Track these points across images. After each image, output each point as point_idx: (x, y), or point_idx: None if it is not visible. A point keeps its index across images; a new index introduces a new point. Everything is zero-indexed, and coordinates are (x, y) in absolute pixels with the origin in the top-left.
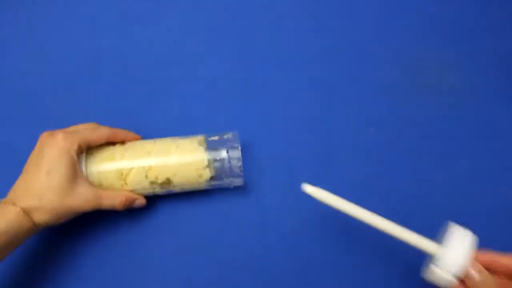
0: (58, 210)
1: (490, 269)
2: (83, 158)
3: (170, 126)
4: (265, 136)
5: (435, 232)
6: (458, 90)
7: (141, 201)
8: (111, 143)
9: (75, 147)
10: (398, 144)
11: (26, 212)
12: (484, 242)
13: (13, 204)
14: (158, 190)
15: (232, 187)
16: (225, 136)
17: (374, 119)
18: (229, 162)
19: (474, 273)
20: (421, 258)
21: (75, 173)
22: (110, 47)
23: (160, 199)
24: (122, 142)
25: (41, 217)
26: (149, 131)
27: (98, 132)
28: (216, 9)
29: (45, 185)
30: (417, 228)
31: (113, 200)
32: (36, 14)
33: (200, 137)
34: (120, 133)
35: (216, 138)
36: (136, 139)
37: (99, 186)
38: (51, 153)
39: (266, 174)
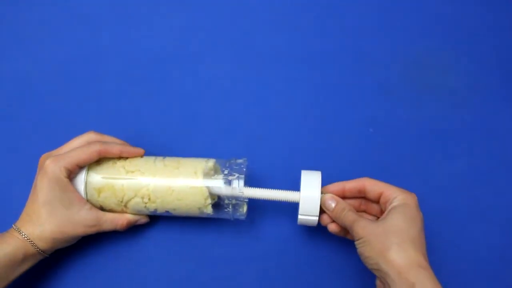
0: (60, 239)
1: (341, 195)
2: (83, 180)
3: (170, 126)
4: (264, 136)
5: (435, 232)
6: (458, 90)
7: (144, 222)
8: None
9: (64, 173)
10: (398, 144)
11: (30, 239)
12: (484, 242)
13: (19, 231)
14: (159, 214)
15: (232, 219)
16: (233, 167)
17: (374, 119)
18: (234, 205)
19: (330, 203)
20: None
21: (71, 199)
22: (110, 47)
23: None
24: (125, 159)
25: (44, 245)
26: (149, 131)
27: (88, 150)
28: (216, 9)
29: (43, 216)
30: None
31: (114, 223)
32: (36, 14)
33: (208, 163)
34: (113, 149)
35: (223, 169)
36: (132, 154)
37: (99, 208)
38: (42, 184)
39: (265, 177)
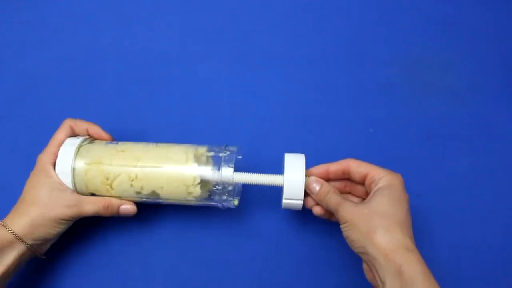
0: (39, 221)
1: (326, 178)
2: (72, 160)
3: (170, 125)
4: (264, 136)
5: (435, 232)
6: (458, 90)
7: (128, 208)
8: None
9: (51, 159)
10: (398, 144)
11: (4, 224)
12: (484, 242)
13: (5, 227)
14: (146, 200)
15: (224, 208)
16: (224, 153)
17: (374, 119)
18: (223, 185)
19: (314, 186)
20: None
21: (54, 183)
22: (110, 47)
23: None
24: (116, 142)
25: (21, 229)
26: (148, 130)
27: (61, 128)
28: (216, 9)
29: (26, 203)
30: (417, 227)
31: (95, 205)
32: (36, 14)
33: (199, 149)
34: (82, 123)
35: (213, 153)
36: (98, 135)
37: (85, 189)
38: (31, 178)
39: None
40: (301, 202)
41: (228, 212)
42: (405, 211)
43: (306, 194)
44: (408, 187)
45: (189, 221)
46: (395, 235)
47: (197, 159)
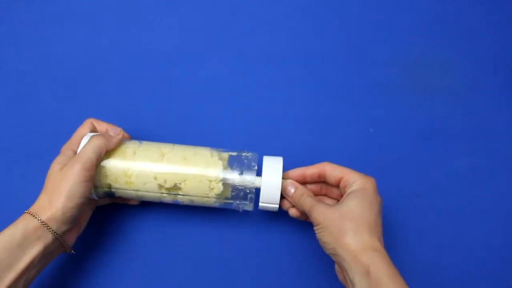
0: (66, 203)
1: (302, 181)
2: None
3: (170, 125)
4: (264, 136)
5: (435, 232)
6: (458, 90)
7: (116, 139)
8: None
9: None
10: (398, 144)
11: (31, 212)
12: (484, 242)
13: (31, 214)
14: (165, 196)
15: (241, 210)
16: (248, 156)
17: (374, 119)
18: (244, 187)
19: (289, 189)
20: None
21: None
22: (110, 47)
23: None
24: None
25: (49, 215)
26: (149, 130)
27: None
28: (217, 9)
29: (46, 197)
30: (417, 228)
31: (94, 144)
32: (36, 14)
33: (222, 153)
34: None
35: (241, 156)
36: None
37: (104, 179)
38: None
39: None
40: (277, 205)
41: (227, 210)
42: (375, 214)
43: (283, 196)
44: (408, 187)
45: (188, 220)
46: (363, 237)
47: (221, 157)
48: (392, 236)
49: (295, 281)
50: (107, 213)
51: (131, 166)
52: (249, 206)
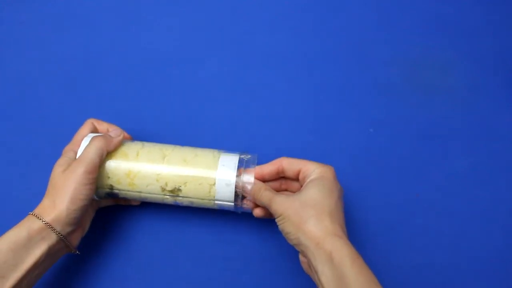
0: (69, 204)
1: (261, 179)
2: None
3: (169, 125)
4: (264, 136)
5: (435, 231)
6: (458, 90)
7: (116, 139)
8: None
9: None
10: (398, 144)
11: (35, 214)
12: (484, 242)
13: (35, 216)
14: (167, 198)
15: (239, 212)
16: (245, 158)
17: (374, 119)
18: (243, 189)
19: (246, 186)
20: None
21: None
22: (110, 47)
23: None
24: (141, 141)
25: (52, 216)
26: (149, 130)
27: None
28: (217, 9)
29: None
30: (417, 227)
31: (96, 144)
32: (36, 14)
33: (222, 154)
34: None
35: (236, 157)
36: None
37: (105, 180)
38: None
39: None
40: (232, 203)
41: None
42: (335, 200)
43: (244, 196)
44: (408, 187)
45: (188, 220)
46: (324, 223)
47: (221, 160)
48: (392, 236)
49: (295, 281)
50: (108, 213)
51: (134, 168)
52: (248, 207)
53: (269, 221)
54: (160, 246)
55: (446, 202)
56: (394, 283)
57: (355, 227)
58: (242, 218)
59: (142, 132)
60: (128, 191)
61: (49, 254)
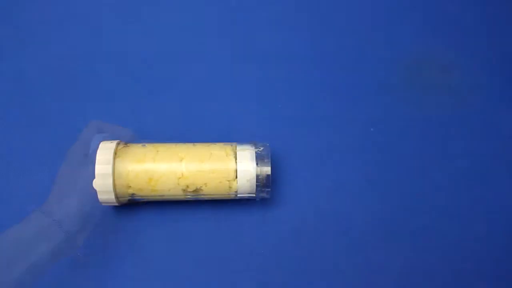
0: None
1: None
2: (112, 163)
3: (169, 125)
4: (264, 136)
5: (435, 231)
6: (458, 90)
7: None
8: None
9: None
10: (398, 144)
11: (41, 209)
12: (484, 242)
13: (41, 212)
14: (189, 197)
15: (258, 199)
16: (256, 149)
17: (375, 118)
18: (258, 176)
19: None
20: None
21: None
22: (110, 46)
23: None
24: (152, 143)
25: (57, 210)
26: (149, 130)
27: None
28: (216, 9)
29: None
30: (417, 227)
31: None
32: (36, 14)
33: (235, 148)
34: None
35: (248, 148)
36: None
37: (126, 189)
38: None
39: None
40: (254, 194)
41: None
42: None
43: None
44: (408, 187)
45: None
46: None
47: (236, 155)
48: (392, 236)
49: (295, 281)
50: (108, 213)
51: (154, 175)
52: (265, 194)
53: (269, 221)
54: (160, 245)
55: (446, 202)
56: (394, 283)
57: (354, 227)
58: (243, 218)
59: (142, 132)
60: (150, 196)
61: (54, 252)
